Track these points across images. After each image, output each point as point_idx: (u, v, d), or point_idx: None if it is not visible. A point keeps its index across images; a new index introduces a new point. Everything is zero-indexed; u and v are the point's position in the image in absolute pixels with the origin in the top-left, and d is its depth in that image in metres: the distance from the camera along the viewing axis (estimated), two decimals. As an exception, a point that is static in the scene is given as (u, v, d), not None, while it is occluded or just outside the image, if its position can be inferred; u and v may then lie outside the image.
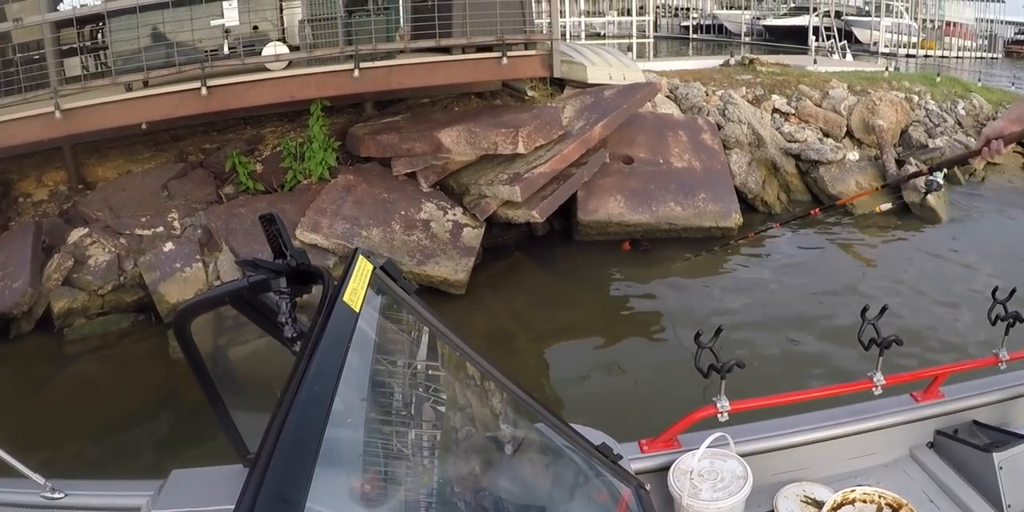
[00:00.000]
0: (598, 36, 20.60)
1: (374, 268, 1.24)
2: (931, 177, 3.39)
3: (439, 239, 6.88)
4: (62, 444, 5.02)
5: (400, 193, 7.25)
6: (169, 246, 6.85)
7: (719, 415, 2.46)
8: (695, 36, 29.48)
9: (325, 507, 1.12)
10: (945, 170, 3.39)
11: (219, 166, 7.91)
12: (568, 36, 17.75)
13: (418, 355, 1.54)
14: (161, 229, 7.10)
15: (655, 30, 23.91)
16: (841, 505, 1.93)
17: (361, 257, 1.21)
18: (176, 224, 7.18)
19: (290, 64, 7.75)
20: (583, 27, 19.96)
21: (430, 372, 1.57)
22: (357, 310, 1.08)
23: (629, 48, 15.75)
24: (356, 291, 1.11)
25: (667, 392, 5.51)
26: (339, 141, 7.94)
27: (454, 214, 7.14)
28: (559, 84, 9.56)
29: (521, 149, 7.12)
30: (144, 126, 7.44)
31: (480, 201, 7.10)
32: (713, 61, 14.24)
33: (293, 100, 7.71)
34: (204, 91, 7.00)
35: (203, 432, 3.90)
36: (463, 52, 8.17)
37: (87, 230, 6.98)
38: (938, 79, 13.70)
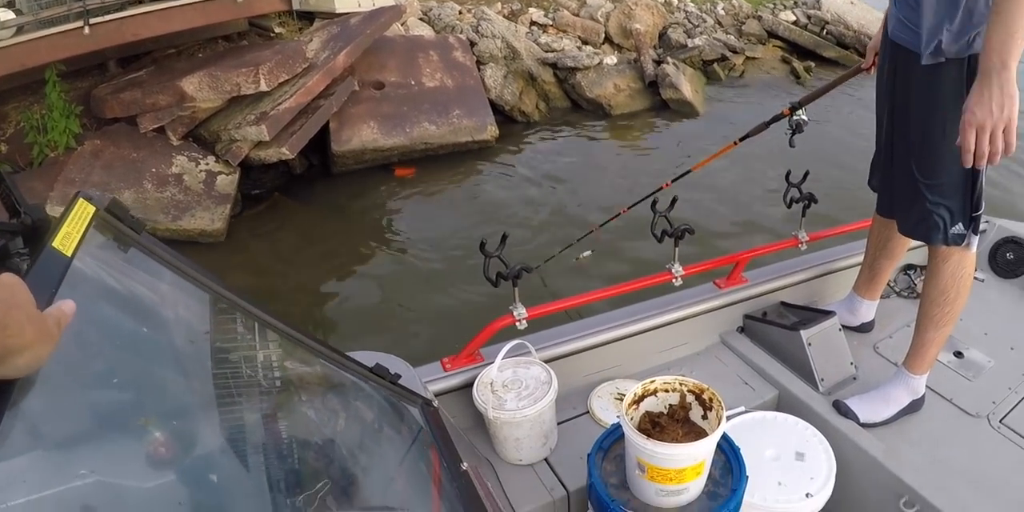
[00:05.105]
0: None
1: (96, 210, 1.12)
2: (795, 117, 2.91)
3: (193, 191, 6.81)
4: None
5: (149, 150, 7.09)
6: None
7: (517, 323, 2.42)
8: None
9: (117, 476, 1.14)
10: (804, 108, 2.88)
11: (-40, 152, 7.53)
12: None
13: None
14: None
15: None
16: (642, 398, 1.91)
17: (81, 200, 1.11)
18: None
19: (21, 30, 7.38)
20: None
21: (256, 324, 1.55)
22: (69, 255, 1.01)
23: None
24: (70, 235, 1.04)
25: (464, 310, 5.40)
26: (83, 106, 7.65)
27: (207, 164, 7.05)
28: (310, 18, 9.41)
29: (264, 87, 7.06)
30: None
31: (231, 146, 7.02)
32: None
33: (26, 69, 7.33)
34: (-72, 75, 6.64)
35: None
36: (197, -5, 7.97)
37: None
38: (694, -18, 14.27)
